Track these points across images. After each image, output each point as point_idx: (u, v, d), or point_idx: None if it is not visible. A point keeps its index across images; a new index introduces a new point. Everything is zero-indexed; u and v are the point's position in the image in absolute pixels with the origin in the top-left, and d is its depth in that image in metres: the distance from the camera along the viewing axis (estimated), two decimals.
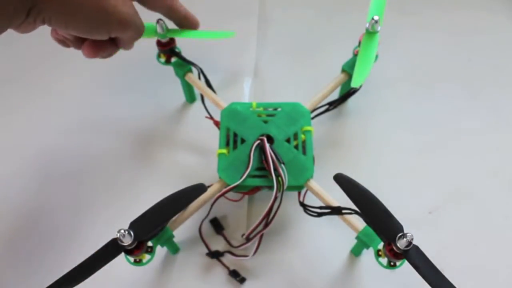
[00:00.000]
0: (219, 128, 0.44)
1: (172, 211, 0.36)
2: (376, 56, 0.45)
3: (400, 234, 0.31)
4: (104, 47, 0.36)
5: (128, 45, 0.38)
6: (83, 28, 0.32)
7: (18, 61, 0.60)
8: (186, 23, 0.43)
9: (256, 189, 0.41)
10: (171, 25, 0.45)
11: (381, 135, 0.51)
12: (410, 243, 0.31)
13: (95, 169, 0.50)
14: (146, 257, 0.37)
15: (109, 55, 0.38)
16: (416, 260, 0.32)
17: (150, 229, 0.34)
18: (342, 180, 0.35)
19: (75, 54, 0.60)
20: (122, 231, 0.32)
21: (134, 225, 0.34)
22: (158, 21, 0.43)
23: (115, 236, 0.32)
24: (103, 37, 0.34)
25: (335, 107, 0.50)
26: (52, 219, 0.47)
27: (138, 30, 0.36)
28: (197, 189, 0.38)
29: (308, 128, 0.43)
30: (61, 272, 0.32)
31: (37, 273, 0.43)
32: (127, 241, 0.32)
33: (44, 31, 0.65)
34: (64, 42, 0.37)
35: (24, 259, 0.44)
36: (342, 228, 0.41)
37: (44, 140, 0.52)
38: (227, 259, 0.44)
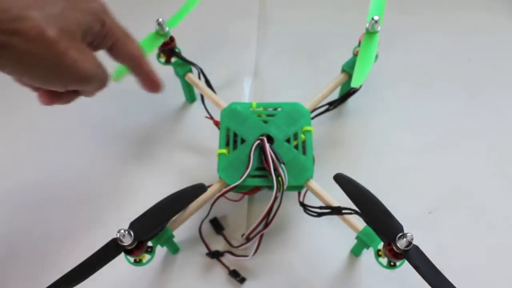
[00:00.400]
0: (219, 128, 0.44)
1: (172, 211, 0.36)
2: (376, 56, 0.45)
3: (400, 234, 0.31)
4: (61, 95, 0.34)
5: (90, 95, 0.36)
6: (39, 81, 0.30)
7: None
8: (148, 82, 0.39)
9: (256, 189, 0.41)
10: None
11: (381, 135, 0.51)
12: (410, 243, 0.31)
13: (95, 168, 0.50)
14: (146, 257, 0.37)
15: (68, 102, 0.35)
16: (416, 260, 0.32)
17: (150, 229, 0.34)
18: (342, 180, 0.35)
19: None
20: (122, 231, 0.32)
21: (134, 225, 0.34)
22: (157, 20, 0.43)
23: (115, 236, 0.32)
24: (60, 89, 0.32)
25: (335, 107, 0.50)
26: (51, 219, 0.47)
27: (100, 84, 0.33)
28: (197, 189, 0.38)
29: (308, 128, 0.43)
30: (61, 272, 0.32)
31: (36, 273, 0.43)
32: (127, 241, 0.32)
33: None
34: (20, 81, 0.34)
35: (24, 260, 0.44)
36: (342, 228, 0.41)
37: (42, 139, 0.52)
38: (227, 259, 0.44)
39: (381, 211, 0.33)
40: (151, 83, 0.38)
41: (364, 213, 0.35)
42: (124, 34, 0.34)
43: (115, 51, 0.35)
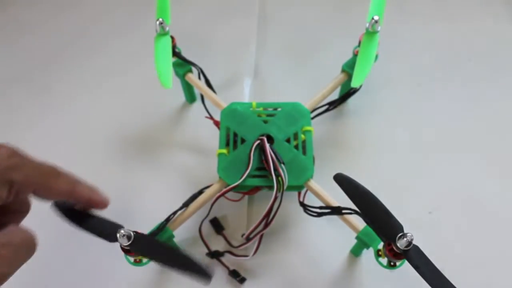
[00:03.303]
0: (219, 128, 0.44)
1: (169, 262, 0.32)
2: (376, 56, 0.45)
3: (400, 234, 0.31)
4: None
5: None
6: None
7: (22, 61, 0.60)
8: (91, 206, 0.34)
9: (256, 189, 0.41)
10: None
11: (381, 135, 0.51)
12: (410, 243, 0.31)
13: (95, 168, 0.50)
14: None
15: None
16: (416, 260, 0.31)
17: (143, 252, 0.33)
18: (342, 180, 0.35)
19: (74, 57, 0.60)
20: (122, 231, 0.32)
21: (135, 241, 0.32)
22: (158, 20, 0.43)
23: (117, 236, 0.32)
24: None
25: (335, 107, 0.50)
26: (52, 221, 0.47)
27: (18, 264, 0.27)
28: (203, 273, 0.31)
29: (308, 128, 0.43)
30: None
31: (38, 274, 0.43)
32: (124, 242, 0.32)
33: (49, 35, 0.65)
34: None
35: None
36: (342, 228, 0.41)
37: (42, 140, 0.52)
38: (227, 259, 0.44)
39: (381, 211, 0.33)
40: (95, 205, 0.34)
41: (364, 213, 0.35)
42: (44, 177, 0.29)
43: (41, 196, 0.30)
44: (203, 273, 0.30)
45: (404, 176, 0.48)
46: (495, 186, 0.48)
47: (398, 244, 0.31)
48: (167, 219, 0.40)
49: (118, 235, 0.32)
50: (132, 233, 0.32)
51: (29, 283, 0.43)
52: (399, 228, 0.32)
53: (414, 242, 0.31)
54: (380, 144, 0.51)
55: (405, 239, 0.31)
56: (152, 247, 0.33)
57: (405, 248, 0.31)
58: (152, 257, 0.32)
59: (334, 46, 0.58)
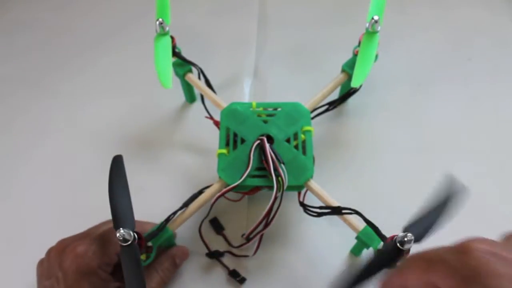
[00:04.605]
0: (219, 128, 0.44)
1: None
2: (376, 56, 0.45)
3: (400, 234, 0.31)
4: None
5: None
6: None
7: (21, 61, 0.60)
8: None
9: (256, 189, 0.41)
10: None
11: (381, 135, 0.51)
12: (410, 243, 0.31)
13: (95, 168, 0.50)
14: (146, 257, 0.37)
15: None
16: None
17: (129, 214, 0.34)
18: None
19: (74, 57, 0.60)
20: (122, 231, 0.32)
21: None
22: (158, 20, 0.43)
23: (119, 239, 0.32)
24: None
25: (335, 107, 0.50)
26: (53, 221, 0.47)
27: None
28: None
29: (308, 128, 0.43)
30: None
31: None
32: (130, 237, 0.32)
33: (46, 35, 0.65)
34: None
35: (22, 265, 0.44)
36: (342, 228, 0.41)
37: (43, 143, 0.52)
38: (227, 259, 0.44)
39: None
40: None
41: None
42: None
43: None
44: None
45: (404, 176, 0.48)
46: (495, 185, 0.48)
47: (398, 244, 0.31)
48: (167, 219, 0.40)
49: None
50: None
51: None
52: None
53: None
54: (380, 144, 0.51)
55: (405, 239, 0.31)
56: None
57: (405, 248, 0.31)
58: None
59: (334, 46, 0.58)
